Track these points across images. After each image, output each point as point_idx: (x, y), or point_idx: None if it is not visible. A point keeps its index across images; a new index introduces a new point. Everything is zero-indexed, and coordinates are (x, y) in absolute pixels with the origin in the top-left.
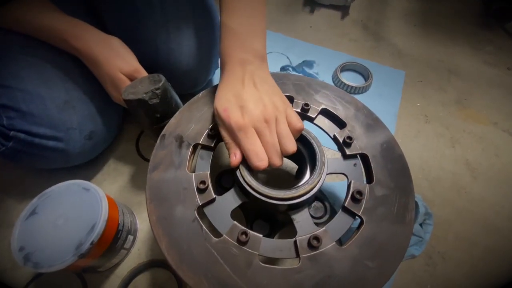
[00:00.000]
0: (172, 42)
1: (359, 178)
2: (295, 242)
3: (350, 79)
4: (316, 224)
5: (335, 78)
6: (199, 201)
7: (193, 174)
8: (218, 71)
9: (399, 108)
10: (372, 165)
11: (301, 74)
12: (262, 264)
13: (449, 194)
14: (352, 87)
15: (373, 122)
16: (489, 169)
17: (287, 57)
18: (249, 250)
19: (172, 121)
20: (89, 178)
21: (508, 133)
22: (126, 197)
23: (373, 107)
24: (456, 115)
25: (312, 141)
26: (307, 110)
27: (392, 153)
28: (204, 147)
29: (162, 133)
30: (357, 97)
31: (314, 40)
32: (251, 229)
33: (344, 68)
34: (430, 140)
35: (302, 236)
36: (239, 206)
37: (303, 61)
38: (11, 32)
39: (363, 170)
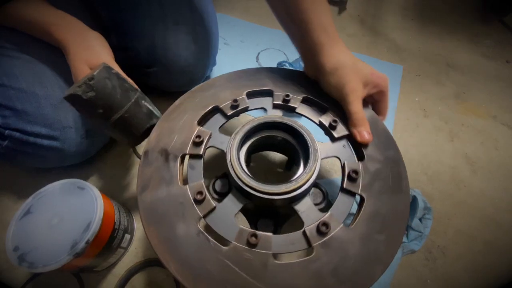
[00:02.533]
0: (169, 37)
1: (351, 158)
2: (304, 232)
3: None
4: (320, 210)
5: None
6: (199, 213)
7: (187, 186)
8: (215, 68)
9: (397, 103)
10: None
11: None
12: (278, 262)
13: (448, 188)
14: None
15: None
16: (488, 162)
17: (284, 53)
18: (262, 251)
19: (153, 134)
20: (85, 177)
21: (507, 126)
22: (123, 196)
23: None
24: (454, 109)
25: (301, 130)
26: (288, 101)
27: (376, 128)
28: (192, 156)
29: (145, 149)
30: None
31: None
32: (256, 229)
33: None
34: (428, 134)
35: (310, 226)
36: (240, 209)
37: (300, 57)
38: (3, 30)
39: (352, 150)
